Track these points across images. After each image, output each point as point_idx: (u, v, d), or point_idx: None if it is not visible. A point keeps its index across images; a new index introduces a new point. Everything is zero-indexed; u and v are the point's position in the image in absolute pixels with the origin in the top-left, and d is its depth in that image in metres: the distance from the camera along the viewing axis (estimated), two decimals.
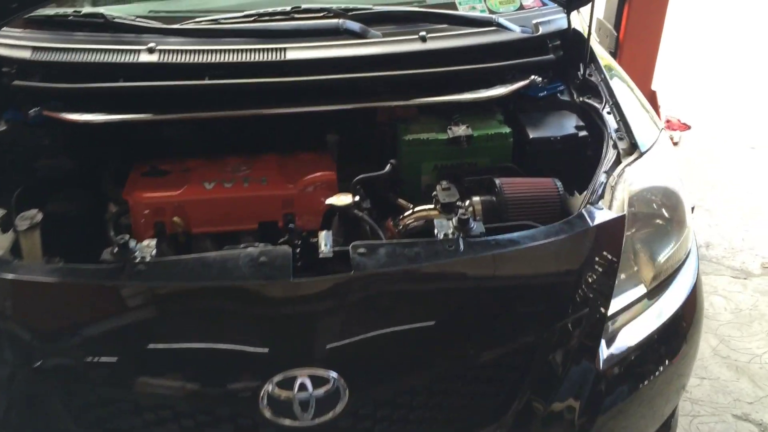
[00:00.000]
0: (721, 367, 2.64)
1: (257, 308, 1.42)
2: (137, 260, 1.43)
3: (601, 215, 1.61)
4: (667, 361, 1.67)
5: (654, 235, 1.74)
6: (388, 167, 1.83)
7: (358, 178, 1.79)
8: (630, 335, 1.61)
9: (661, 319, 1.66)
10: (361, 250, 1.44)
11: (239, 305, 1.42)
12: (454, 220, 1.56)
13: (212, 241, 1.76)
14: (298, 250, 1.52)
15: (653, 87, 4.33)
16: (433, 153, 1.91)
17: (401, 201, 1.87)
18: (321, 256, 1.46)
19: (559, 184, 1.80)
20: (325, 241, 1.50)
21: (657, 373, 1.64)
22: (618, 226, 1.61)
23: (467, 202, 1.78)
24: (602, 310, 1.55)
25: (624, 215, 1.63)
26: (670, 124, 4.75)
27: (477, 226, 1.54)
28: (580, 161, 1.96)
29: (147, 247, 1.48)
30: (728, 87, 5.54)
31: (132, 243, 1.47)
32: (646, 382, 1.62)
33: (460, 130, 1.90)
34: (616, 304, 1.59)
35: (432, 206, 1.79)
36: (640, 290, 1.66)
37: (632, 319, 1.63)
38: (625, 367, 1.58)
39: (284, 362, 1.35)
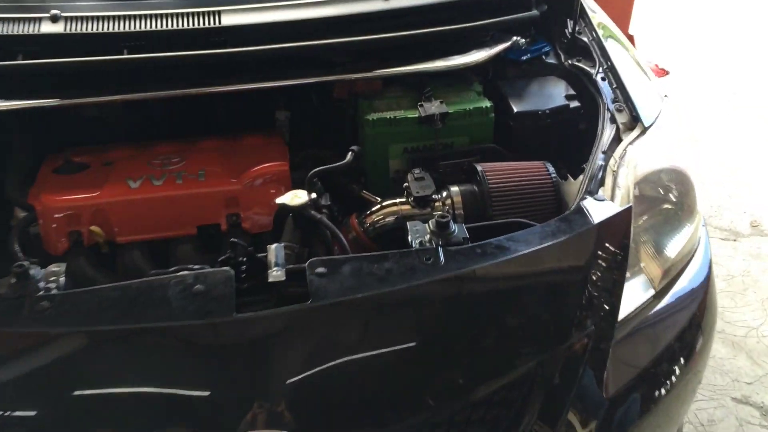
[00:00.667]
0: (716, 342, 2.45)
1: (192, 353, 1.14)
2: (40, 294, 1.14)
3: (604, 208, 1.36)
4: (683, 361, 1.46)
5: (662, 224, 1.51)
6: (349, 156, 1.53)
7: (314, 171, 1.50)
8: (640, 344, 1.40)
9: (675, 323, 1.45)
10: (320, 269, 1.18)
11: (169, 349, 1.13)
12: (431, 223, 1.29)
13: (141, 251, 1.46)
14: (243, 267, 1.25)
15: (630, 31, 4.09)
16: (402, 134, 1.62)
17: (366, 194, 1.58)
18: (271, 280, 1.18)
19: (550, 168, 1.54)
20: (275, 258, 1.23)
21: (674, 379, 1.44)
22: (624, 221, 1.36)
23: (444, 194, 1.51)
24: (610, 321, 1.31)
25: (630, 207, 1.38)
26: None
27: (458, 230, 1.28)
28: (571, 137, 1.70)
29: (53, 275, 1.19)
30: (705, 29, 5.29)
31: (34, 270, 1.18)
32: (663, 391, 1.41)
33: (433, 107, 1.60)
34: (622, 310, 1.36)
35: (403, 199, 1.51)
36: (648, 291, 1.43)
37: (641, 325, 1.41)
38: (637, 382, 1.37)
39: (228, 420, 1.08)
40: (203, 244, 1.49)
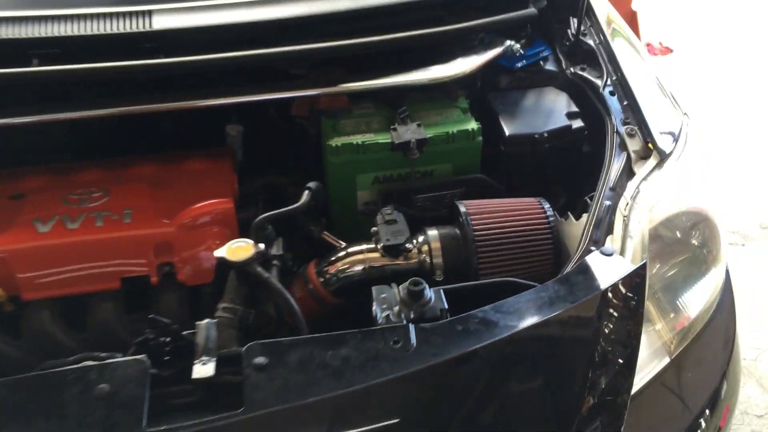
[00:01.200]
0: None
1: None
2: None
3: (613, 266, 1.12)
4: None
5: (681, 274, 1.26)
6: (305, 196, 1.27)
7: (261, 217, 1.24)
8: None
9: (698, 397, 1.24)
10: (260, 359, 0.94)
11: None
12: (401, 289, 1.05)
13: (52, 312, 1.21)
14: (166, 349, 1.01)
15: (633, 6, 3.80)
16: (373, 162, 1.36)
17: (328, 236, 1.33)
18: (195, 377, 0.94)
19: (547, 207, 1.28)
20: (205, 341, 0.98)
21: None
22: (636, 282, 1.12)
23: (421, 239, 1.25)
24: (620, 408, 1.08)
25: (645, 264, 1.13)
26: (651, 48, 4.21)
27: (435, 299, 1.04)
28: (573, 162, 1.44)
29: None
30: (710, 6, 4.98)
31: None
32: None
33: (409, 131, 1.33)
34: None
35: (371, 246, 1.26)
36: (662, 359, 1.19)
37: (654, 400, 1.18)
38: None
39: None
40: (128, 302, 1.24)
